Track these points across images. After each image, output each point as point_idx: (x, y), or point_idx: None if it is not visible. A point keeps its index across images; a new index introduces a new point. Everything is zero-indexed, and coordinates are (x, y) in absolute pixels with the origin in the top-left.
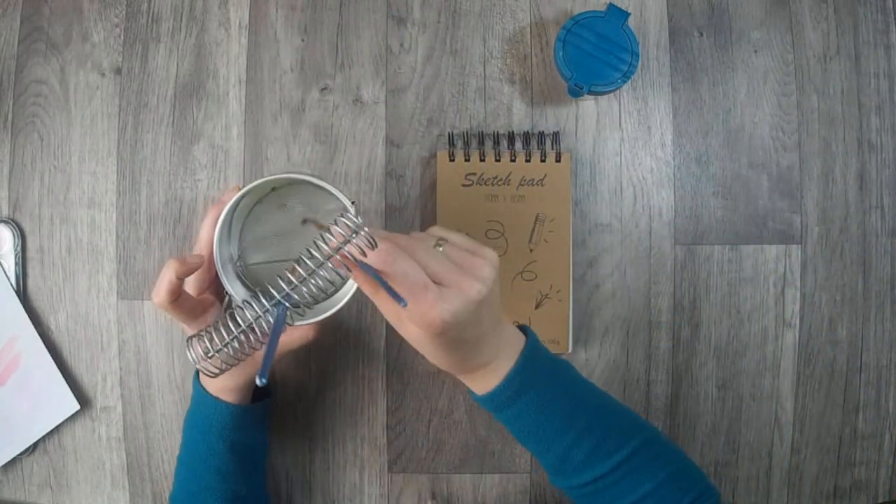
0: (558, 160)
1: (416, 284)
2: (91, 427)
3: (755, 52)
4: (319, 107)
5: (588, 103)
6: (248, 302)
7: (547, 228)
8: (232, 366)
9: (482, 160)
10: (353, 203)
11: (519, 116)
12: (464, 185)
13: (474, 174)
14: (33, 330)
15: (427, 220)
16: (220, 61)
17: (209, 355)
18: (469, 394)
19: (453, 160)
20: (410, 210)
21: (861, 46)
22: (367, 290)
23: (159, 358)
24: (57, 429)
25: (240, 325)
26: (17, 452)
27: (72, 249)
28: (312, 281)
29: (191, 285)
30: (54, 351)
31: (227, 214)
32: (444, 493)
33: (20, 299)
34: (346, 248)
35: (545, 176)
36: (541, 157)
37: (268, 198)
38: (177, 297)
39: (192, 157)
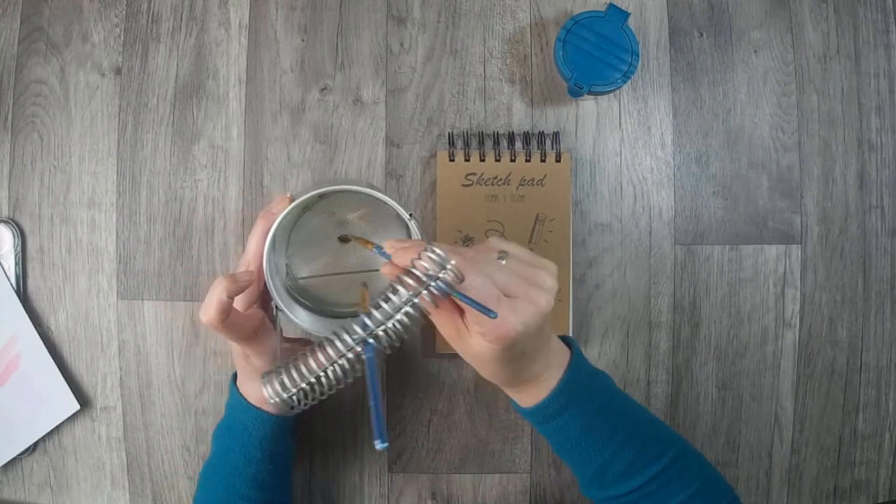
0: (558, 160)
1: (489, 298)
2: (91, 427)
3: (755, 52)
4: (319, 107)
5: (588, 103)
6: (329, 339)
7: (547, 228)
8: (312, 404)
9: (482, 160)
10: (410, 215)
11: (519, 116)
12: (464, 185)
13: (474, 174)
14: (33, 330)
15: (427, 220)
16: (220, 61)
17: (288, 394)
18: (512, 405)
19: (453, 160)
20: (410, 210)
21: (861, 46)
22: (431, 308)
23: (159, 358)
24: (57, 429)
25: (322, 364)
26: (17, 452)
27: (72, 249)
28: (399, 318)
29: (238, 300)
30: (54, 351)
31: (277, 227)
32: (444, 493)
33: (20, 299)
34: (433, 284)
35: (545, 176)
36: (541, 157)
37: (317, 205)
38: (227, 315)
39: (192, 157)
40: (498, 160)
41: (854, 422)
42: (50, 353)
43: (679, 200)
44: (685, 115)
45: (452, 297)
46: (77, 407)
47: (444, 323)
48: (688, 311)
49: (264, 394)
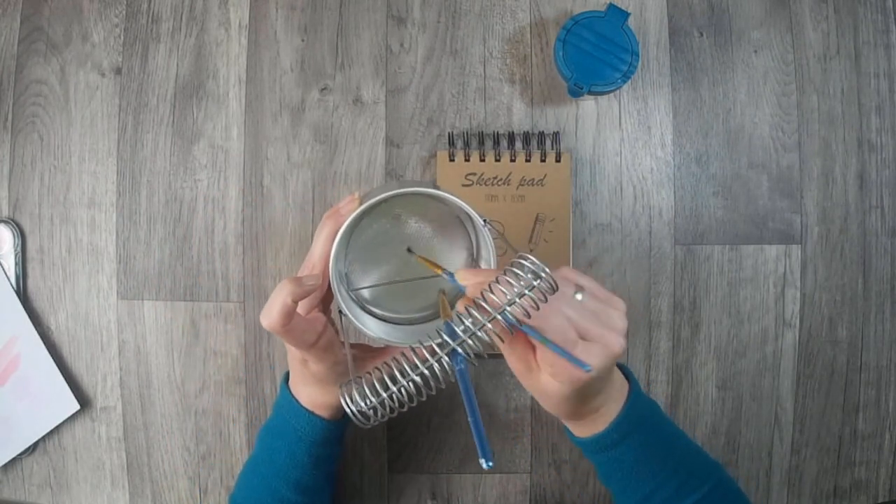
0: (558, 160)
1: (567, 341)
2: (91, 427)
3: (755, 52)
4: (319, 107)
5: (588, 103)
6: (413, 348)
7: (547, 228)
8: (390, 417)
9: (482, 160)
10: (486, 222)
11: (519, 116)
12: (464, 186)
13: (474, 174)
14: (33, 330)
15: None
16: (220, 61)
17: (369, 405)
18: (566, 432)
19: (453, 160)
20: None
21: (861, 46)
22: (505, 340)
23: (159, 358)
24: (57, 429)
25: (406, 375)
26: (17, 452)
27: (72, 249)
28: (490, 328)
29: (300, 305)
30: (54, 351)
31: (347, 229)
32: (444, 493)
33: (20, 299)
34: (526, 296)
35: (545, 176)
36: (541, 157)
37: (378, 208)
38: (290, 320)
39: (192, 157)
40: (498, 160)
41: (854, 422)
42: (50, 353)
43: (679, 200)
44: (685, 115)
45: (532, 338)
46: (77, 407)
47: (515, 357)
48: (688, 311)
49: (343, 403)
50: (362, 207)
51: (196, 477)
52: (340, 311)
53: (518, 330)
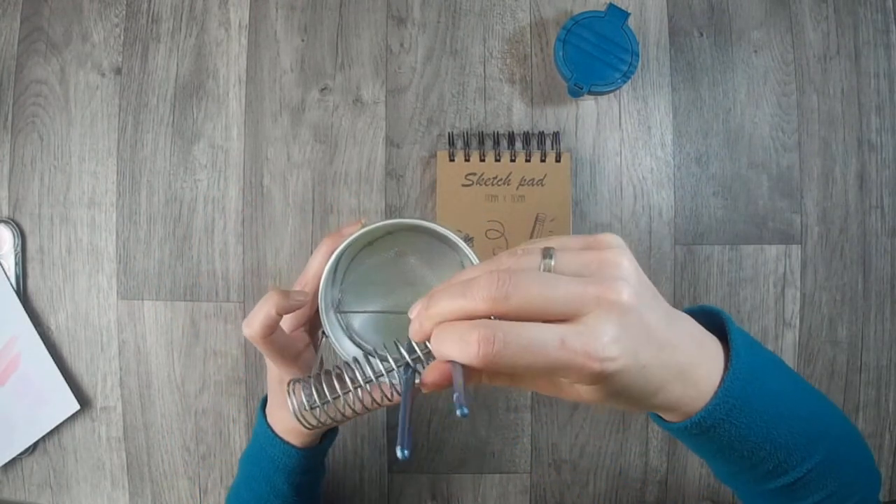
0: (558, 160)
1: (550, 345)
2: (91, 427)
3: (755, 52)
4: (319, 107)
5: (588, 103)
6: (367, 358)
7: (547, 228)
8: (333, 423)
9: (482, 160)
10: (470, 239)
11: (519, 116)
12: (464, 185)
13: (474, 174)
14: (33, 330)
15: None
16: (220, 61)
17: (312, 407)
18: (653, 419)
19: (453, 160)
20: (410, 210)
21: (861, 46)
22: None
23: (159, 358)
24: (57, 429)
25: (355, 382)
26: (17, 452)
27: (72, 249)
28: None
29: (286, 320)
30: (54, 351)
31: (343, 249)
32: (444, 493)
33: (20, 299)
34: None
35: (545, 176)
36: (541, 157)
37: (380, 241)
38: (271, 332)
39: (192, 157)
40: (498, 160)
41: (854, 422)
42: (50, 353)
43: (679, 200)
44: (685, 115)
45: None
46: (77, 407)
47: (537, 383)
48: None
49: (287, 404)
50: (363, 230)
51: (196, 477)
52: (323, 332)
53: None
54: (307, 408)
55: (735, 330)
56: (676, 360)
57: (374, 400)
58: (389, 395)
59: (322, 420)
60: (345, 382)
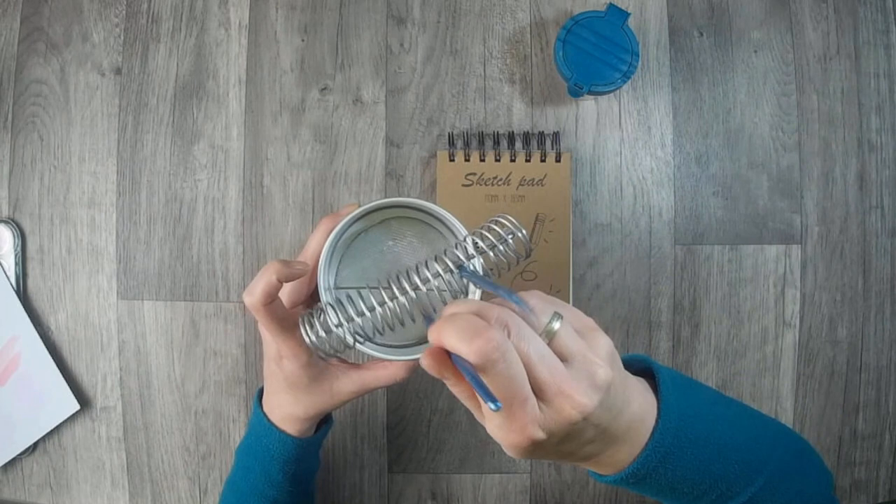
0: (558, 160)
1: (516, 397)
2: (91, 427)
3: (755, 52)
4: (319, 107)
5: (588, 103)
6: (416, 268)
7: (547, 228)
8: (344, 350)
9: (482, 160)
10: (476, 252)
11: (519, 116)
12: (464, 185)
13: (474, 174)
14: (33, 330)
15: None
16: (220, 61)
17: (337, 325)
18: (590, 473)
19: (453, 160)
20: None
21: (861, 46)
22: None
23: (159, 358)
24: (57, 429)
25: (384, 298)
26: (17, 452)
27: (72, 249)
28: (492, 254)
29: (285, 294)
30: (54, 351)
31: (342, 227)
32: (444, 493)
33: (20, 299)
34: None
35: (545, 176)
36: (541, 157)
37: (377, 227)
38: (271, 300)
39: (192, 157)
40: (498, 160)
41: (854, 422)
42: (50, 353)
43: (679, 200)
44: (685, 115)
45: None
46: (77, 407)
47: (469, 403)
48: (688, 311)
49: (301, 333)
50: (361, 210)
51: (196, 477)
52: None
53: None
54: (336, 324)
55: (664, 378)
56: (613, 433)
57: (405, 311)
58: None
59: (340, 346)
60: (369, 300)
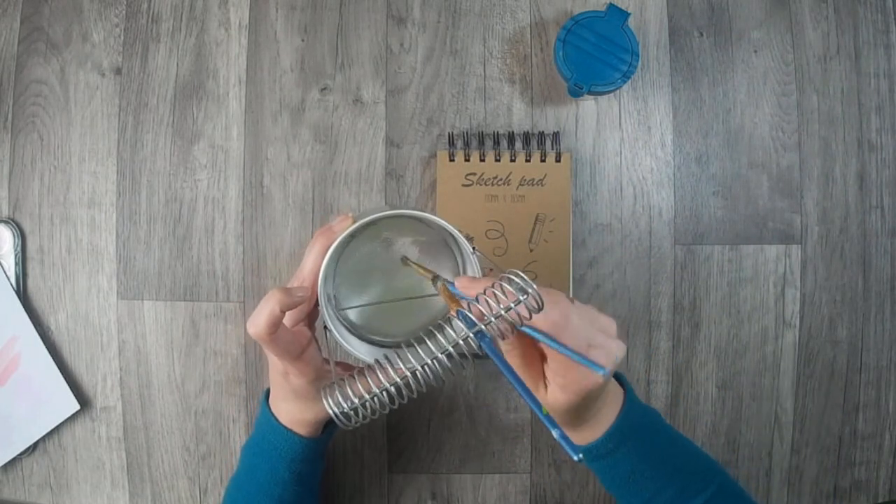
0: (558, 160)
1: (582, 347)
2: (91, 427)
3: (755, 52)
4: (319, 107)
5: (588, 103)
6: (420, 340)
7: (547, 228)
8: (372, 418)
9: (482, 160)
10: (474, 249)
11: (519, 116)
12: (464, 185)
13: (474, 174)
14: (33, 330)
15: None
16: (220, 61)
17: (351, 406)
18: (562, 444)
19: (453, 160)
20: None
21: (861, 46)
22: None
23: (159, 358)
24: (57, 429)
25: (391, 378)
26: (17, 452)
27: (72, 249)
28: (511, 312)
29: (286, 317)
30: (54, 351)
31: (338, 246)
32: (444, 493)
33: (20, 299)
34: (516, 309)
35: (545, 176)
36: (541, 157)
37: (364, 232)
38: (276, 329)
39: (192, 157)
40: (498, 160)
41: (854, 422)
42: (50, 353)
43: (679, 200)
44: (685, 115)
45: (545, 345)
46: (77, 407)
47: (523, 373)
48: (688, 311)
49: (325, 406)
50: (355, 225)
51: (196, 477)
52: (326, 328)
53: (524, 333)
54: (347, 409)
55: (627, 381)
56: (607, 390)
57: (418, 385)
58: (442, 376)
59: (364, 416)
60: (378, 380)
